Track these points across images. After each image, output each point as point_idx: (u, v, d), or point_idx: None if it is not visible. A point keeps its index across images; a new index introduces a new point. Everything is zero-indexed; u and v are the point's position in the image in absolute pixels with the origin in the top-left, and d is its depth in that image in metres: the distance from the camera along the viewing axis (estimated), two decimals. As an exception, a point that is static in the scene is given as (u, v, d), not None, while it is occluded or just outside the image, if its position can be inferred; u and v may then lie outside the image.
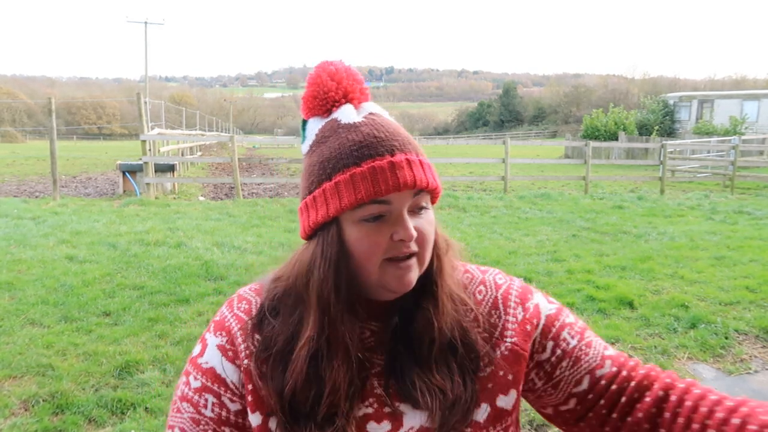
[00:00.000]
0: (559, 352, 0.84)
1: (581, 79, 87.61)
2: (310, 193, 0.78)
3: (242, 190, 11.81)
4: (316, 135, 0.80)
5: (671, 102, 32.05)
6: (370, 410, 0.79)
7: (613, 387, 0.81)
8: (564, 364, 0.83)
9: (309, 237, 0.79)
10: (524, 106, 71.03)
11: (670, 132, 29.84)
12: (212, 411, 0.79)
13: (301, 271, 0.78)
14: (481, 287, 0.88)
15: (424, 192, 0.77)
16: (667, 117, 31.11)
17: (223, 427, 0.79)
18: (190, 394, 0.80)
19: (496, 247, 6.63)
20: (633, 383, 0.81)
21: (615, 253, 6.32)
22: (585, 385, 0.83)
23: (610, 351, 0.85)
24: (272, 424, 0.77)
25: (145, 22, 37.32)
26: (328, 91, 0.79)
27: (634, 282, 5.17)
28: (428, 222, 0.78)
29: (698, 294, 4.84)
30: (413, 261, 0.76)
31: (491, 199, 11.09)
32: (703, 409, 0.75)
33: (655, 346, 3.77)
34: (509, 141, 13.51)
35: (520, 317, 0.85)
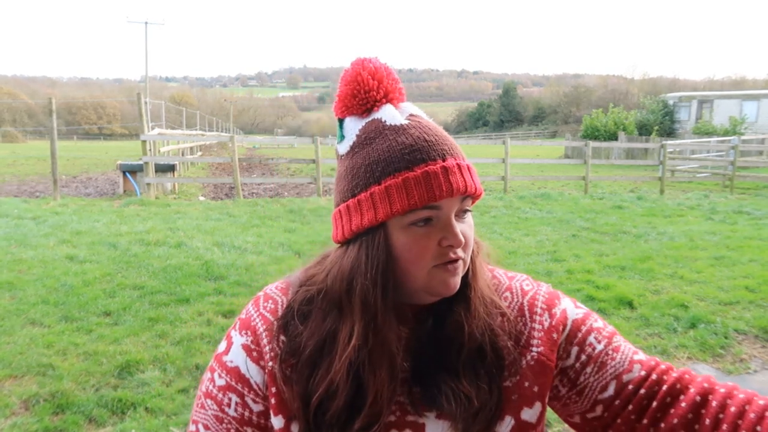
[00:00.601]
0: (584, 357, 0.81)
1: (581, 79, 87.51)
2: (353, 196, 0.75)
3: (242, 190, 11.81)
4: (358, 136, 0.77)
5: (671, 102, 32.05)
6: (392, 418, 0.77)
7: (642, 392, 0.77)
8: (588, 369, 0.81)
9: (348, 241, 0.76)
10: (524, 106, 70.94)
11: (669, 132, 29.84)
12: (235, 411, 0.79)
13: (342, 276, 0.75)
14: (507, 293, 0.86)
15: (469, 197, 0.76)
16: (667, 117, 31.11)
17: (245, 427, 0.79)
18: (215, 391, 0.80)
19: (496, 247, 6.48)
20: (665, 387, 0.77)
21: (615, 253, 6.32)
22: (611, 390, 0.79)
23: (641, 356, 0.82)
24: (294, 428, 0.76)
25: (146, 23, 37.38)
26: (369, 90, 0.77)
27: (633, 282, 5.17)
28: (470, 226, 0.78)
29: (698, 294, 4.84)
30: (459, 264, 0.75)
31: (491, 199, 11.09)
32: (752, 416, 0.70)
33: (655, 346, 3.77)
34: (509, 141, 13.53)
35: (546, 324, 0.82)
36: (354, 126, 0.78)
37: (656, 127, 28.68)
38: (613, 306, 4.51)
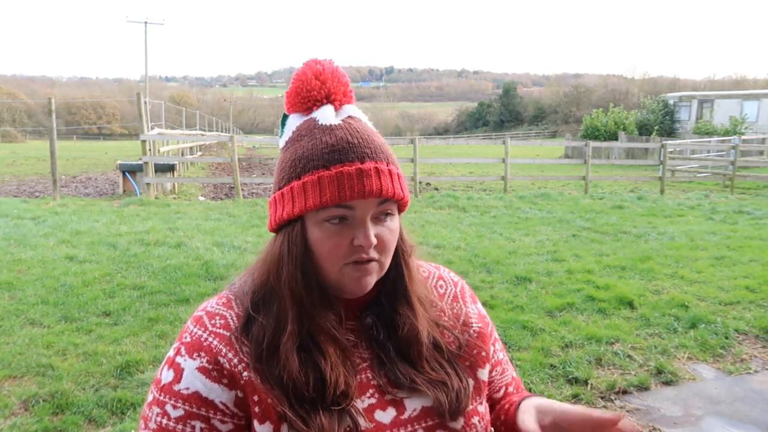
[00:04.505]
0: (494, 359, 0.97)
1: (581, 79, 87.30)
2: (279, 189, 0.80)
3: (242, 190, 11.80)
4: (293, 132, 0.81)
5: (671, 102, 32.03)
6: (373, 400, 0.82)
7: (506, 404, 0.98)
8: (498, 369, 0.99)
9: (276, 230, 0.83)
10: (524, 106, 70.92)
11: (670, 132, 29.82)
12: None
13: (272, 265, 0.81)
14: (441, 282, 0.97)
15: (390, 201, 0.78)
16: (667, 117, 31.09)
17: None
18: (171, 424, 0.76)
19: (496, 247, 6.63)
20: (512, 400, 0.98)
21: (615, 253, 6.32)
22: (501, 394, 1.00)
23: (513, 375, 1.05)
24: (284, 429, 0.76)
25: (145, 22, 37.35)
26: (311, 90, 0.80)
27: (634, 282, 5.17)
28: (390, 230, 0.80)
29: (698, 294, 4.84)
30: (373, 265, 0.79)
31: (491, 199, 11.09)
32: (506, 406, 0.97)
33: (655, 346, 3.77)
34: (509, 141, 13.52)
35: (478, 312, 0.97)
36: (293, 123, 0.82)
37: (656, 127, 28.67)
38: (614, 306, 4.50)
